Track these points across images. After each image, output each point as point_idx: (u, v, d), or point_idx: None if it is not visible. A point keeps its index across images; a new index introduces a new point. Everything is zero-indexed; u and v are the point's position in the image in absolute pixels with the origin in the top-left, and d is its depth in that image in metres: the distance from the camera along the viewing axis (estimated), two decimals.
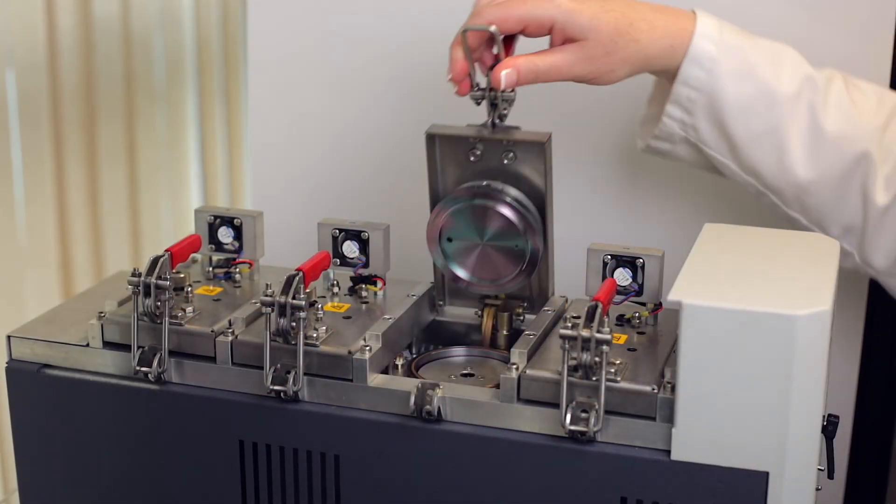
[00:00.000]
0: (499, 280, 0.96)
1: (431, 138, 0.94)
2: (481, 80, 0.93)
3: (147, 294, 0.89)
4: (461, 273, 0.96)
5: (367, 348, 0.87)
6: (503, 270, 0.95)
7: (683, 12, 0.92)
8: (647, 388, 0.81)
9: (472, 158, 0.94)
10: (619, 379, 0.81)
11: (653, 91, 1.00)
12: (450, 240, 0.95)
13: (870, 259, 0.94)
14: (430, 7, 1.21)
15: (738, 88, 0.91)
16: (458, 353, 0.97)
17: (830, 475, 0.88)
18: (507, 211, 0.92)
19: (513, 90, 0.91)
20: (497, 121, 0.93)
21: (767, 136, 0.92)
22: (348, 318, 0.94)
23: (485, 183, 0.94)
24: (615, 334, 0.88)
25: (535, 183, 0.94)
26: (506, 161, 0.94)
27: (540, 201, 0.94)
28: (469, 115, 0.99)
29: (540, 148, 0.92)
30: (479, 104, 0.95)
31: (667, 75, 0.94)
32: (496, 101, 0.92)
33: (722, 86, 0.91)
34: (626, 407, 0.81)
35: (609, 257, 0.91)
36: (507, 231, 0.93)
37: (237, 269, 1.02)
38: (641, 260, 0.91)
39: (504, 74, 0.89)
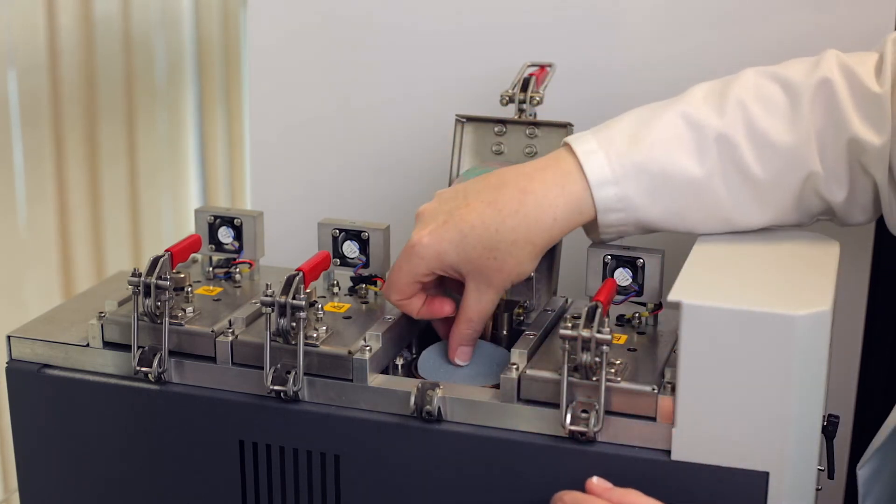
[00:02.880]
0: None
1: (459, 121, 0.99)
2: (507, 82, 0.93)
3: (147, 294, 0.89)
4: None
5: (367, 348, 0.87)
6: None
7: (565, 160, 0.87)
8: (647, 388, 0.81)
9: (493, 149, 0.98)
10: (619, 379, 0.81)
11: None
12: None
13: (848, 223, 0.93)
14: (430, 6, 1.21)
15: (658, 204, 0.87)
16: None
17: (830, 475, 0.88)
18: None
19: (540, 93, 0.97)
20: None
21: (710, 218, 0.89)
22: (348, 318, 0.94)
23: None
24: (615, 334, 0.88)
25: None
26: (527, 151, 0.97)
27: None
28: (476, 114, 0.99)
29: (562, 131, 0.96)
30: (505, 105, 0.98)
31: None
32: (524, 104, 0.97)
33: (642, 212, 0.87)
34: (626, 407, 0.81)
35: (609, 257, 0.91)
36: None
37: (237, 269, 1.02)
38: (641, 260, 0.91)
39: (458, 358, 0.91)
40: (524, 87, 0.99)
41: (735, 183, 0.88)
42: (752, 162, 0.87)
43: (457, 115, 1.00)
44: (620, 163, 0.86)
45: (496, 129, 0.99)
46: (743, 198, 0.88)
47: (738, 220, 0.89)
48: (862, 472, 0.90)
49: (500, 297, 0.91)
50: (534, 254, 0.87)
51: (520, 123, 0.99)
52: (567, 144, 0.88)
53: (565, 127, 0.98)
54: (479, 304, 0.88)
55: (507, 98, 0.98)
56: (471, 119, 1.01)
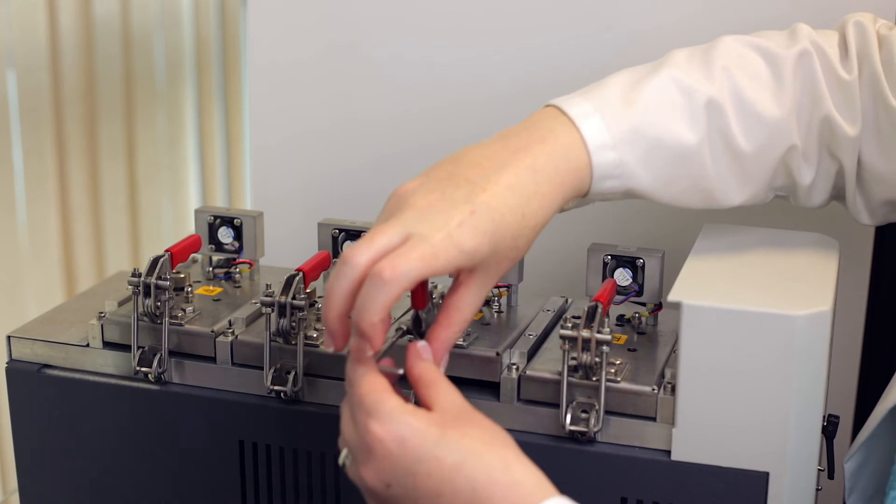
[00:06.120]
0: None
1: None
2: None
3: (147, 294, 0.89)
4: None
5: None
6: None
7: (559, 129, 0.80)
8: (647, 388, 0.81)
9: None
10: (619, 379, 0.81)
11: None
12: None
13: (803, 205, 0.93)
14: (431, 6, 1.21)
15: (650, 171, 0.82)
16: None
17: (830, 475, 0.88)
18: None
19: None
20: None
21: (693, 189, 0.86)
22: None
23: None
24: (615, 334, 0.88)
25: None
26: None
27: None
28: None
29: None
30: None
31: None
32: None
33: (635, 179, 0.82)
34: (626, 407, 0.81)
35: (609, 257, 0.91)
36: None
37: (237, 269, 1.02)
38: (641, 260, 0.91)
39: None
40: None
41: (720, 153, 0.85)
42: (738, 133, 0.84)
43: None
44: (617, 125, 0.81)
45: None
46: (726, 170, 0.85)
47: (718, 194, 0.86)
48: (848, 466, 0.90)
49: None
50: (535, 237, 0.79)
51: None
52: (556, 108, 0.81)
53: None
54: (479, 300, 0.77)
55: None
56: None
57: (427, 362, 0.74)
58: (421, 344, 0.75)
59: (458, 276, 0.75)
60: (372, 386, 0.71)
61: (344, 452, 0.74)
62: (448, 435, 0.69)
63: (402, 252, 0.71)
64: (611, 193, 0.83)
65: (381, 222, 0.74)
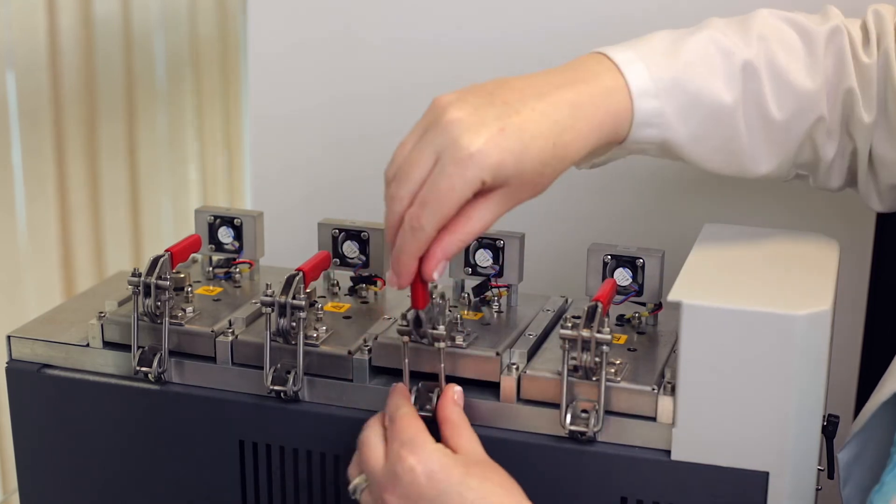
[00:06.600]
0: None
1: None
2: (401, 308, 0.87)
3: (147, 294, 0.89)
4: None
5: (367, 348, 0.87)
6: None
7: (604, 73, 0.81)
8: (647, 388, 0.81)
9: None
10: (619, 379, 0.81)
11: None
12: None
13: (822, 185, 0.94)
14: (429, 7, 1.21)
15: (687, 125, 0.84)
16: None
17: (830, 475, 0.88)
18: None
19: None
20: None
21: (723, 152, 0.87)
22: (348, 318, 0.94)
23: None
24: (615, 334, 0.88)
25: None
26: None
27: None
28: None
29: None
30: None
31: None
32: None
33: (673, 130, 0.83)
34: (626, 407, 0.81)
35: (609, 257, 0.91)
36: None
37: (237, 269, 1.02)
38: (641, 260, 0.91)
39: (437, 270, 0.78)
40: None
41: (752, 117, 0.86)
42: (770, 100, 0.86)
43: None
44: (660, 75, 0.82)
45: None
46: (757, 136, 0.87)
47: (746, 160, 0.88)
48: (842, 456, 0.90)
49: None
50: (563, 172, 0.81)
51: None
52: (600, 54, 0.83)
53: None
54: (490, 217, 0.78)
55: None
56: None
57: (458, 408, 0.82)
58: (457, 389, 0.83)
59: (480, 188, 0.77)
60: (410, 422, 0.79)
61: (358, 479, 0.80)
62: (472, 475, 0.77)
63: (422, 200, 0.76)
64: (647, 143, 0.84)
65: (416, 136, 0.79)
